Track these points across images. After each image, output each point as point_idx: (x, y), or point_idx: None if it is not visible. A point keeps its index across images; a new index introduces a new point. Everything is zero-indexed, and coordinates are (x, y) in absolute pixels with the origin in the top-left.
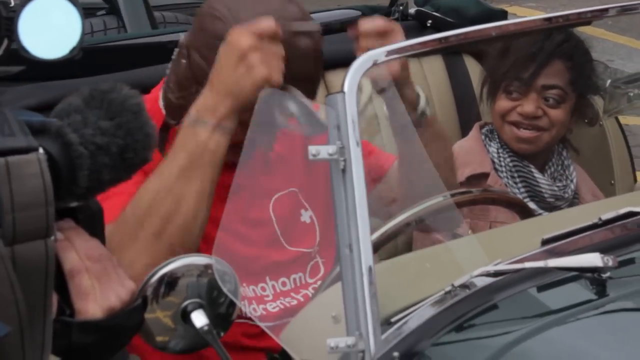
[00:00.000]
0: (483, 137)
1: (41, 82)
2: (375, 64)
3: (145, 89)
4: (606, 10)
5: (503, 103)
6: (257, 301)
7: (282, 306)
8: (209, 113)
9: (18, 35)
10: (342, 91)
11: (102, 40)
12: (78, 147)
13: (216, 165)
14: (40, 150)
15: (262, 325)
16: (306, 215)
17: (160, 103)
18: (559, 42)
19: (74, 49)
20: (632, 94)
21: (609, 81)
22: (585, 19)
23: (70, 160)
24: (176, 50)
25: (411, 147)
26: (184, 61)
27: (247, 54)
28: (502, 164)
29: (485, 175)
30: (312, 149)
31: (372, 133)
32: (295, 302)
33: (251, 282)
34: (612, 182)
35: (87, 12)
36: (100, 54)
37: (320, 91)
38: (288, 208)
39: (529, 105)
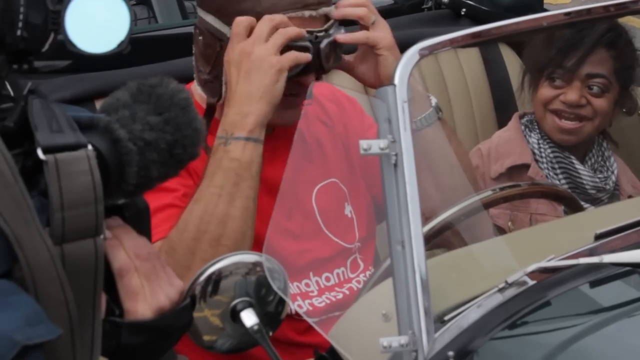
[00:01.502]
0: (523, 127)
1: (74, 75)
2: (423, 57)
3: (179, 80)
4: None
5: (546, 91)
6: (303, 297)
7: (328, 301)
8: (236, 128)
9: (65, 29)
10: (392, 83)
11: (133, 31)
12: (127, 143)
13: (254, 177)
14: (89, 146)
15: (310, 320)
16: (348, 209)
17: (197, 96)
18: (604, 30)
19: (122, 42)
20: None
21: None
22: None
23: (119, 157)
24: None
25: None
26: (200, 38)
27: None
28: (543, 154)
29: (526, 166)
30: (364, 144)
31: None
32: (341, 296)
33: (294, 279)
34: None
35: None
36: (131, 45)
37: (356, 82)
38: (332, 199)
39: (572, 94)
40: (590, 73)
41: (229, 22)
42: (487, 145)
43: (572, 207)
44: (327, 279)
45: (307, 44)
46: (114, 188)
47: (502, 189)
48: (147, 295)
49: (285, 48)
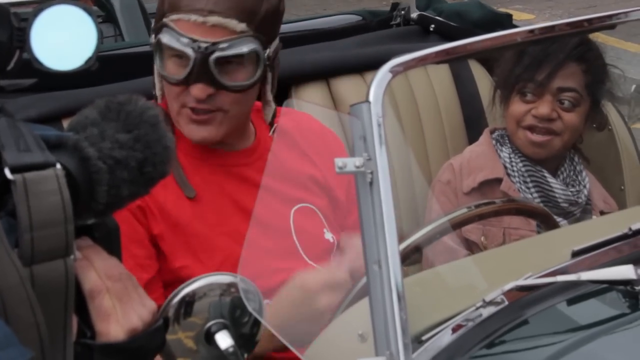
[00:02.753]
0: (494, 142)
1: (40, 94)
2: (397, 74)
3: (147, 98)
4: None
5: (517, 106)
6: None
7: None
8: None
9: (31, 46)
10: (367, 100)
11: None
12: (96, 162)
13: None
14: (58, 165)
15: (284, 340)
16: (329, 235)
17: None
18: (575, 44)
19: (89, 59)
20: None
21: (633, 86)
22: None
23: (89, 176)
24: None
25: None
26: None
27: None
28: (515, 168)
29: (498, 181)
30: (339, 162)
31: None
32: None
33: (268, 294)
34: (622, 187)
35: None
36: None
37: (326, 98)
38: (309, 222)
39: (544, 107)
40: (561, 87)
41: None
42: (459, 160)
43: (547, 223)
44: None
45: (188, 51)
46: (83, 207)
47: (477, 206)
48: (119, 317)
49: (166, 49)
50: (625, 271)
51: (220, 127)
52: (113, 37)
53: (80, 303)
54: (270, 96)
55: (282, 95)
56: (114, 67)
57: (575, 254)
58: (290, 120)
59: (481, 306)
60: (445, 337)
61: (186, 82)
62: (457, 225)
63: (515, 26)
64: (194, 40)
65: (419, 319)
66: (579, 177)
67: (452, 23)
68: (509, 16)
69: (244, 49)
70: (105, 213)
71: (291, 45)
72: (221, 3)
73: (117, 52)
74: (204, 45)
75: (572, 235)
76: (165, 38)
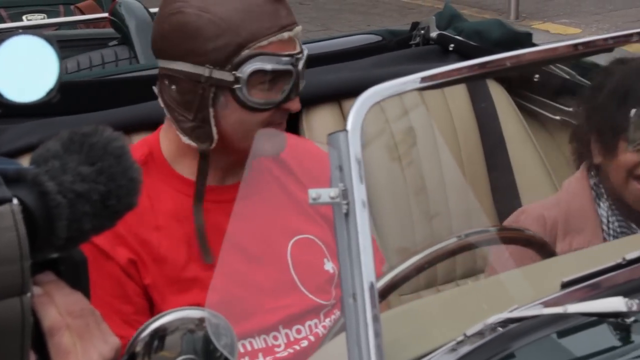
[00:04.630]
0: (593, 194)
1: (44, 119)
2: (378, 102)
3: (158, 123)
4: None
5: (630, 156)
6: (265, 353)
7: (292, 351)
8: None
9: None
10: (345, 130)
11: (114, 71)
12: (56, 196)
13: None
14: (15, 200)
15: None
16: (329, 265)
17: (162, 145)
18: None
19: (50, 91)
20: None
21: (633, 110)
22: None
23: (48, 210)
24: (156, 88)
25: None
26: (174, 87)
27: None
28: (611, 231)
29: None
30: (312, 193)
31: (409, 146)
32: (306, 343)
33: (263, 332)
34: None
35: (98, 43)
36: (112, 86)
37: (337, 121)
38: (308, 254)
39: None
40: None
41: (203, 62)
42: (554, 213)
43: (543, 252)
44: (298, 332)
45: (290, 67)
46: (43, 243)
47: (467, 235)
48: (79, 355)
49: (258, 78)
50: (615, 303)
51: None
52: (128, 59)
53: (40, 340)
54: None
55: (292, 119)
56: (128, 89)
57: (565, 285)
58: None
59: (462, 340)
60: None
61: (287, 100)
62: (448, 254)
63: (534, 45)
64: (291, 56)
65: (400, 353)
66: None
67: (471, 42)
68: (529, 35)
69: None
70: (67, 247)
71: (307, 66)
72: (291, 13)
73: (131, 75)
74: (296, 57)
75: (564, 266)
76: (262, 65)
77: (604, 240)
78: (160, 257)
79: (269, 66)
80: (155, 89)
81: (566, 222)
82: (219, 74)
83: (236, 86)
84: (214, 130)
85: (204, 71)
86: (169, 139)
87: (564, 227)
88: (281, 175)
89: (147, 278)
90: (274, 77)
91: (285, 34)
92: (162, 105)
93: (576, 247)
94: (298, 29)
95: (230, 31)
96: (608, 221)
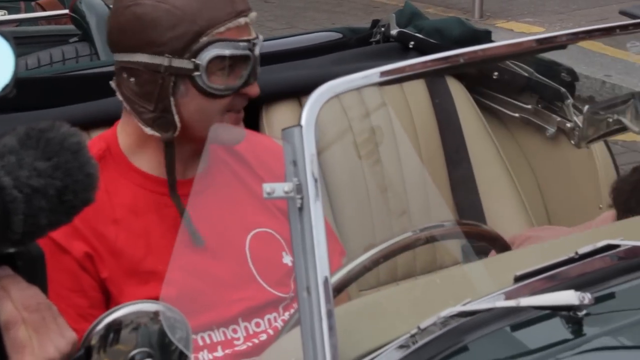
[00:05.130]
0: None
1: (9, 114)
2: (335, 95)
3: (116, 118)
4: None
5: None
6: (224, 346)
7: (251, 344)
8: None
9: None
10: (299, 125)
11: (74, 68)
12: (11, 191)
13: None
14: None
15: None
16: (287, 258)
17: (120, 140)
18: None
19: (6, 86)
20: (610, 120)
21: (586, 107)
22: (579, 39)
23: (4, 205)
24: (113, 82)
25: None
26: (132, 79)
27: None
28: None
29: None
30: (267, 187)
31: (373, 145)
32: (265, 337)
33: (222, 325)
34: (600, 206)
35: (59, 40)
36: (72, 82)
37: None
38: (266, 247)
39: None
40: None
41: (162, 52)
42: None
43: (498, 246)
44: (257, 325)
45: (248, 52)
46: None
47: (422, 230)
48: (35, 348)
49: (217, 64)
50: (567, 297)
51: None
52: (89, 55)
53: None
54: None
55: (252, 115)
56: (88, 86)
57: (518, 279)
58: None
59: (416, 333)
60: None
61: (246, 85)
62: (404, 248)
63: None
64: (248, 41)
65: (355, 347)
66: None
67: (431, 40)
68: (488, 33)
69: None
70: (23, 242)
71: (267, 63)
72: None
73: (92, 71)
74: (253, 42)
75: (519, 260)
76: (220, 51)
77: None
78: (117, 251)
79: (227, 52)
80: (113, 84)
81: None
82: (178, 63)
83: (196, 73)
84: (176, 118)
85: (163, 61)
86: (127, 133)
87: None
88: (239, 169)
89: (104, 272)
90: (233, 63)
91: (242, 20)
92: (120, 98)
93: None
94: (253, 14)
95: (187, 19)
96: None
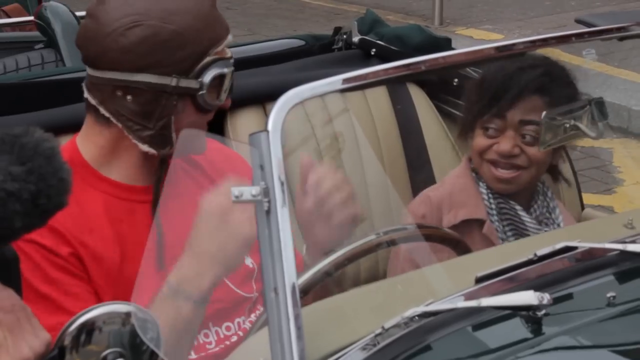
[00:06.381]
0: (473, 174)
1: None
2: (302, 101)
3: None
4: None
5: (480, 140)
6: (197, 349)
7: (223, 346)
8: (192, 286)
9: None
10: (266, 130)
11: (40, 74)
12: None
13: (195, 332)
14: None
15: None
16: (249, 260)
17: (84, 152)
18: (535, 76)
19: None
20: (568, 125)
21: (544, 113)
22: (536, 46)
23: None
24: (93, 99)
25: None
26: (129, 97)
27: (227, 215)
28: (493, 207)
29: (480, 223)
30: (235, 190)
31: (336, 151)
32: (235, 339)
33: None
34: None
35: (24, 46)
36: (38, 88)
37: (262, 124)
38: None
39: (505, 144)
40: (523, 120)
41: (170, 72)
42: (438, 193)
43: (459, 249)
44: (228, 329)
45: (232, 68)
46: None
47: (385, 233)
48: (9, 348)
49: (225, 77)
50: (526, 297)
51: None
52: (54, 62)
53: None
54: None
55: (217, 121)
56: (53, 92)
57: (479, 280)
58: None
59: (380, 333)
60: None
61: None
62: (366, 251)
63: (453, 50)
64: (231, 57)
65: (321, 346)
66: (553, 215)
67: (392, 47)
68: (448, 40)
69: None
70: None
71: None
72: None
73: (57, 78)
74: (232, 58)
75: (480, 261)
76: (220, 70)
77: (488, 214)
78: (97, 256)
79: (225, 70)
80: (92, 100)
81: (450, 198)
82: (185, 83)
83: (200, 92)
84: (174, 135)
85: (170, 81)
86: (93, 144)
87: (448, 202)
88: (197, 176)
89: (91, 274)
90: (224, 80)
91: (230, 37)
92: (107, 114)
93: (461, 219)
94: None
95: (193, 40)
96: (489, 197)
